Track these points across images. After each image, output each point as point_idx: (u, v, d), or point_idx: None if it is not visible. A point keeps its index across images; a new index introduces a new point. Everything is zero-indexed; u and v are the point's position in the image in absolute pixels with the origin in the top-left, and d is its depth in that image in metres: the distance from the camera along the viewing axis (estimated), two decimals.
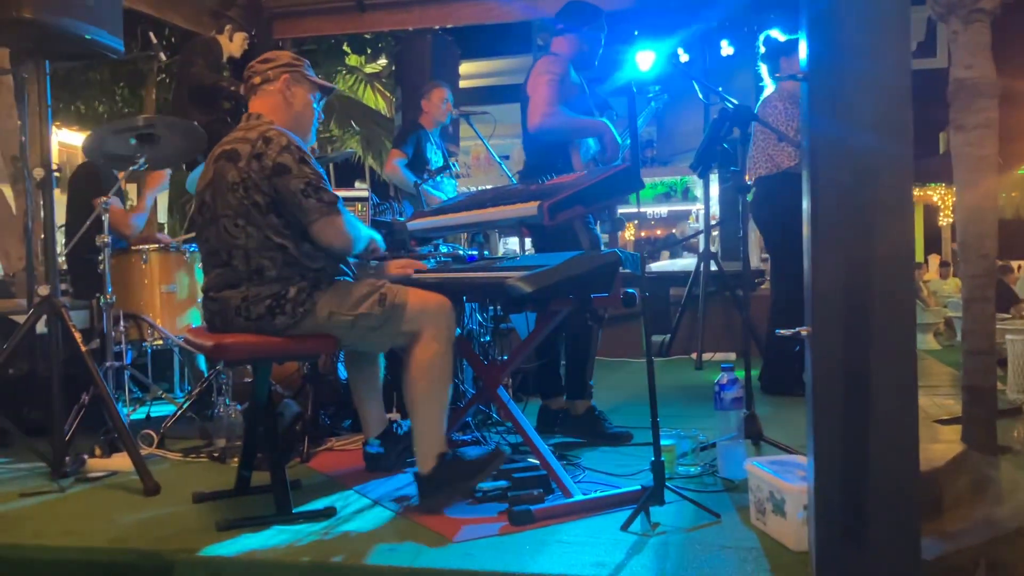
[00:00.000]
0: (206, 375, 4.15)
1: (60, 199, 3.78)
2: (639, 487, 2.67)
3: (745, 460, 2.62)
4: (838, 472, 1.93)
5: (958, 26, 2.94)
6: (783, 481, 2.30)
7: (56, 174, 3.31)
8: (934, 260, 11.81)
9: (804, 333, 1.97)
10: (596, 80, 3.81)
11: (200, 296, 4.19)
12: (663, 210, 17.66)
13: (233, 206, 2.68)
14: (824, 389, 1.94)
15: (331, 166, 4.53)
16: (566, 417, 3.66)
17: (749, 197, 3.83)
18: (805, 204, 1.98)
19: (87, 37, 3.16)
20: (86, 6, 3.14)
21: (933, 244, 15.22)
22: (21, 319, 4.33)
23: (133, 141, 3.75)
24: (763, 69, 4.68)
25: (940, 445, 2.81)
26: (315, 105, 2.99)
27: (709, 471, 2.98)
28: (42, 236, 3.45)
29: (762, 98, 4.64)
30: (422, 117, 5.57)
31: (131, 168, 3.80)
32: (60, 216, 3.94)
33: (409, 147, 5.39)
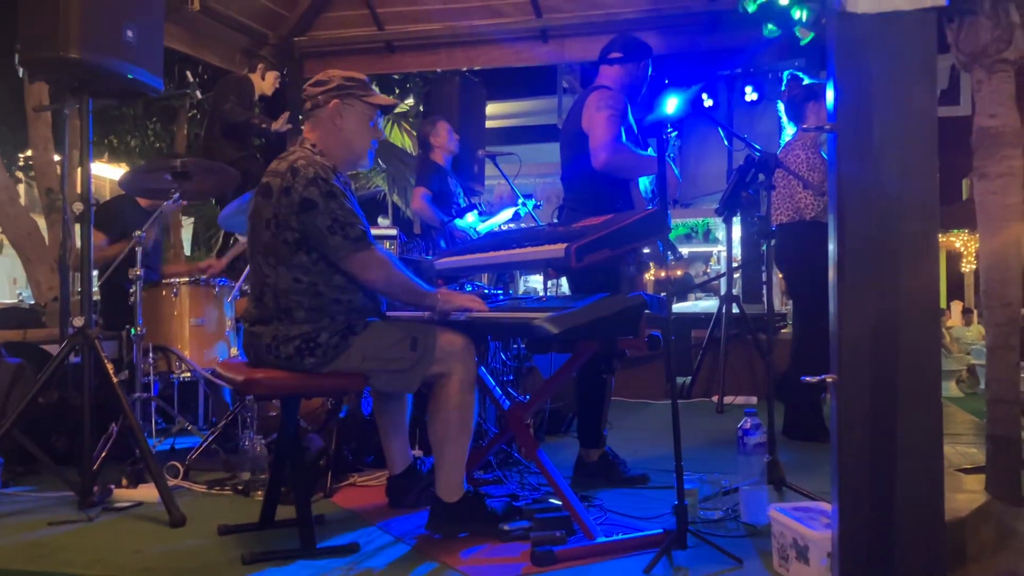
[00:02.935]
0: (231, 408, 4.19)
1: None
2: (661, 530, 2.67)
3: (768, 506, 2.62)
4: (863, 520, 1.94)
5: (982, 75, 2.98)
6: (807, 528, 2.30)
7: (95, 207, 3.39)
8: (957, 306, 11.71)
9: (830, 380, 1.99)
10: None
11: (228, 329, 4.27)
12: (684, 251, 17.70)
13: (266, 243, 2.71)
14: (849, 436, 1.95)
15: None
16: (580, 465, 3.65)
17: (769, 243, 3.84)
18: (831, 249, 2.01)
19: (129, 76, 3.26)
20: (129, 46, 3.24)
21: (956, 290, 15.11)
22: (51, 348, 4.41)
23: (168, 177, 3.84)
24: (781, 108, 4.70)
25: (964, 495, 2.78)
26: (374, 124, 2.91)
27: (731, 516, 2.97)
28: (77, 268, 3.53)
29: (783, 143, 4.66)
30: (433, 153, 5.65)
31: (166, 202, 3.88)
32: None
33: (433, 184, 5.47)
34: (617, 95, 3.59)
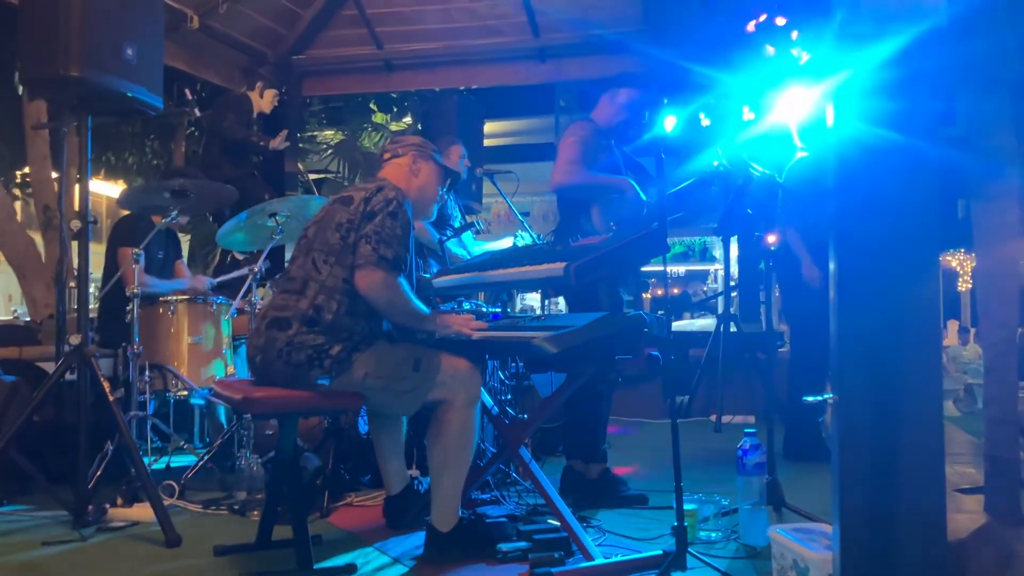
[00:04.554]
0: (225, 427, 4.16)
1: (97, 249, 3.86)
2: (660, 552, 2.66)
3: (767, 527, 2.61)
4: (864, 542, 1.92)
5: (978, 96, 2.99)
6: (807, 549, 2.29)
7: (92, 224, 3.38)
8: (952, 326, 11.76)
9: (830, 400, 1.98)
10: (625, 141, 3.87)
11: (225, 347, 4.25)
12: (680, 269, 17.74)
13: (330, 244, 2.79)
14: (850, 456, 1.93)
15: None
16: (581, 480, 3.64)
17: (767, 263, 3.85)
18: (831, 268, 2.00)
19: (129, 95, 3.26)
20: (129, 64, 3.24)
21: (952, 310, 15.17)
22: (47, 366, 4.39)
23: (167, 195, 3.83)
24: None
25: (963, 515, 2.77)
26: (440, 189, 3.19)
27: (731, 537, 2.96)
28: (73, 285, 3.51)
29: (795, 159, 4.66)
30: None
31: (165, 220, 3.87)
32: (95, 265, 3.99)
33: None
34: (589, 124, 3.76)
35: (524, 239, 4.79)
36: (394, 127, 12.07)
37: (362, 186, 2.94)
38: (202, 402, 4.35)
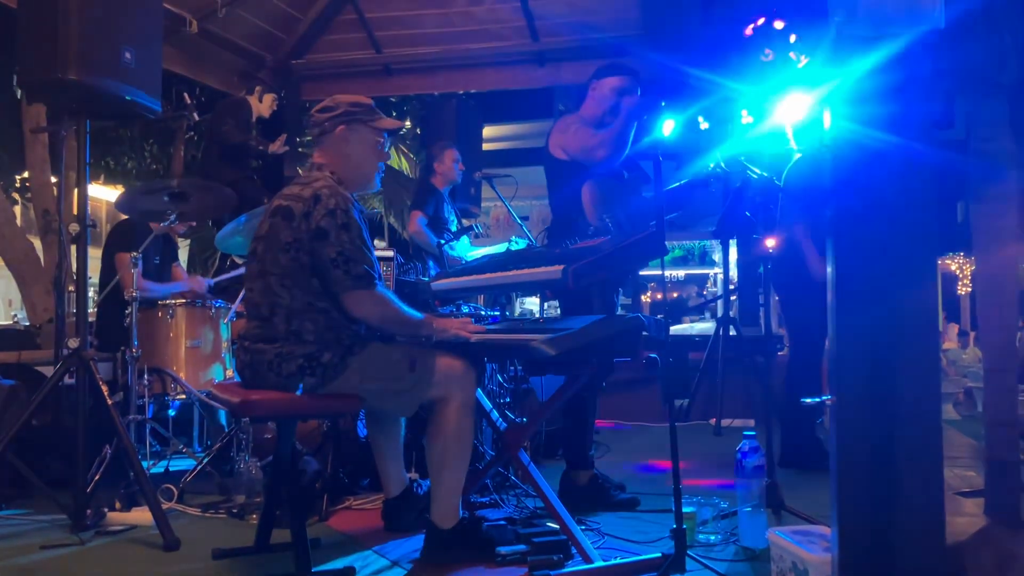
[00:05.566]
0: (226, 430, 4.16)
1: (96, 253, 3.86)
2: (660, 554, 2.65)
3: (766, 529, 2.61)
4: (863, 544, 1.92)
5: (977, 99, 2.99)
6: (806, 551, 2.28)
7: (91, 228, 3.37)
8: (952, 329, 11.74)
9: (829, 402, 1.98)
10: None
11: (224, 351, 4.25)
12: (680, 273, 17.73)
13: (283, 266, 2.69)
14: (849, 459, 1.93)
15: None
16: (571, 487, 3.59)
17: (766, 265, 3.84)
18: (829, 271, 2.00)
19: (127, 98, 3.26)
20: (128, 68, 3.24)
21: (952, 313, 15.15)
22: (46, 370, 4.39)
23: (166, 198, 3.83)
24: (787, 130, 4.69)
25: (963, 518, 2.77)
26: (381, 147, 2.95)
27: (730, 540, 2.95)
28: (72, 289, 3.51)
29: (793, 161, 4.65)
30: (435, 178, 5.65)
31: (163, 224, 3.87)
32: (94, 269, 3.99)
33: (430, 208, 5.48)
34: (573, 116, 3.73)
35: (519, 244, 4.79)
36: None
37: (297, 193, 2.75)
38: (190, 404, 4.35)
